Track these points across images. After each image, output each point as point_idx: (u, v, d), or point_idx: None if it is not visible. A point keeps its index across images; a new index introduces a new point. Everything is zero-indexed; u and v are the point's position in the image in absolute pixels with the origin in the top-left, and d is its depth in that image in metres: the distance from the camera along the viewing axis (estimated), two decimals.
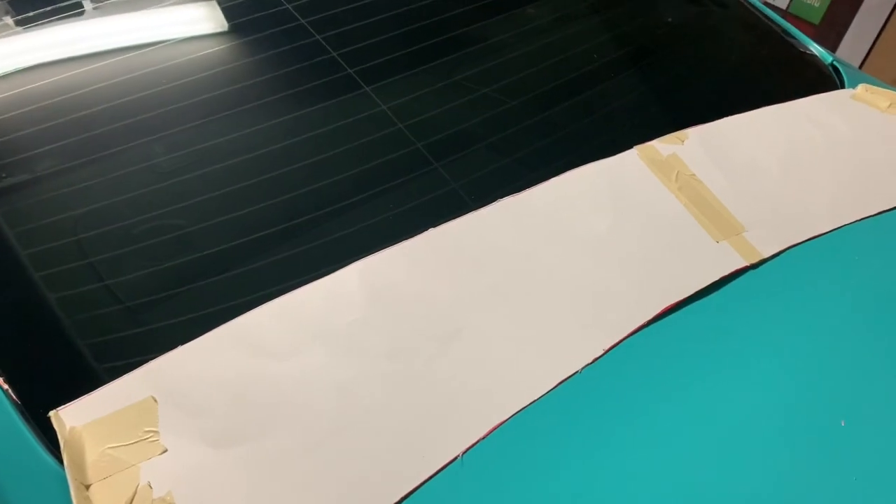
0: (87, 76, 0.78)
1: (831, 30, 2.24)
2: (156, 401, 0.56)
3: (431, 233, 0.68)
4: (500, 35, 0.88)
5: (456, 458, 0.55)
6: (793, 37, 1.09)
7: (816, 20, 2.27)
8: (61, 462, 0.53)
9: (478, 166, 0.75)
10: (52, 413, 0.54)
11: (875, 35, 2.15)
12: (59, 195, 0.68)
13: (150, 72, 0.80)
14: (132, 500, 0.51)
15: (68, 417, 0.54)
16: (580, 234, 0.71)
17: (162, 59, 0.82)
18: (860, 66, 2.18)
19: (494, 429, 0.57)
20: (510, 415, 0.58)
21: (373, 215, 0.69)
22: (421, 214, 0.70)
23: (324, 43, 0.82)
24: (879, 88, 0.97)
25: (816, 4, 2.28)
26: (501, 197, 0.71)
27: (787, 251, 0.72)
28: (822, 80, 1.02)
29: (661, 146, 0.80)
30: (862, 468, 0.58)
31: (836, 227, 0.74)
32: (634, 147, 0.79)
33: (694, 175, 0.78)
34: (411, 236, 0.67)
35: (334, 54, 0.81)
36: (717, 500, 0.55)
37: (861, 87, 0.97)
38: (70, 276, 0.64)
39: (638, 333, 0.64)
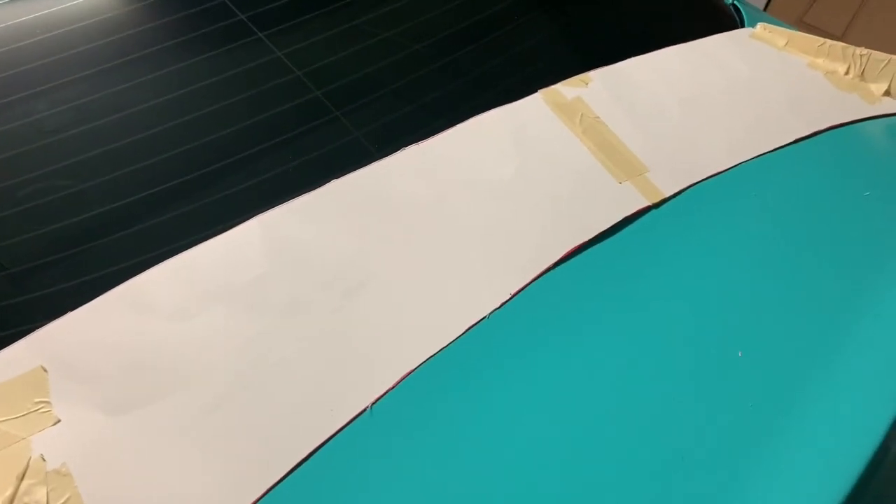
0: None
1: None
2: (45, 370, 0.53)
3: (334, 184, 0.66)
4: None
5: (364, 410, 0.55)
6: None
7: None
8: None
9: (380, 114, 0.73)
10: None
11: None
12: None
13: (26, 21, 0.75)
14: (24, 474, 0.49)
15: None
16: (486, 180, 0.70)
17: (40, 7, 0.76)
18: (765, 8, 2.23)
19: (403, 378, 0.57)
20: (418, 364, 0.58)
21: (272, 168, 0.67)
22: (322, 166, 0.68)
23: None
24: (777, 27, 0.99)
25: None
26: (405, 145, 0.70)
27: (688, 190, 0.74)
28: (723, 19, 1.04)
29: (565, 89, 0.80)
30: (758, 394, 0.60)
31: (734, 164, 0.76)
32: (538, 91, 0.79)
33: (598, 118, 0.78)
34: (313, 189, 0.65)
35: (226, 0, 0.77)
36: (621, 432, 0.56)
37: (760, 27, 0.99)
38: None
39: (544, 276, 0.65)
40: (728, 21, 1.03)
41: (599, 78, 0.82)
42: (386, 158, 0.69)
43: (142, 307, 0.57)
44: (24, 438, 0.50)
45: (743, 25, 1.03)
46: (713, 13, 1.05)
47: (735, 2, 1.09)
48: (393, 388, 0.56)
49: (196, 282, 0.59)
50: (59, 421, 0.52)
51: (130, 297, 0.57)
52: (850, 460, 0.55)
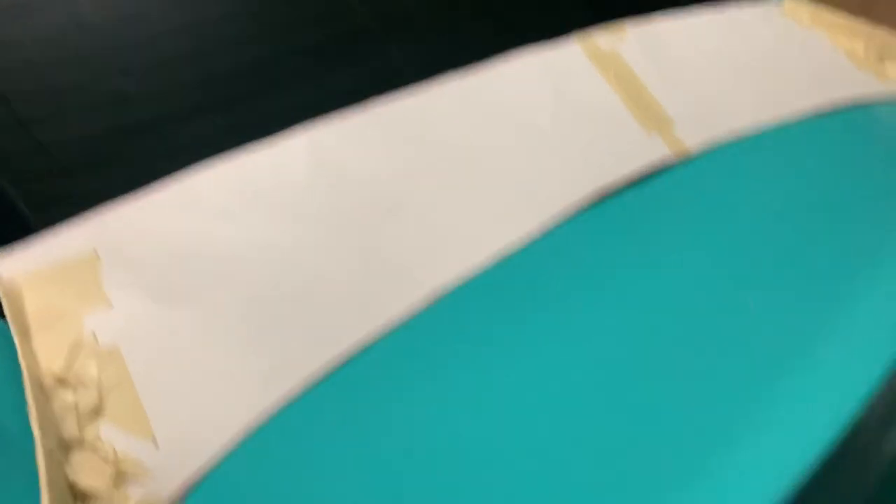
0: None
1: None
2: (98, 255, 0.55)
3: (377, 108, 0.68)
4: None
5: (396, 323, 0.58)
6: None
7: None
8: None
9: (425, 44, 0.75)
10: None
11: None
12: None
13: None
14: (76, 349, 0.51)
15: (2, 268, 0.53)
16: (520, 118, 0.73)
17: None
18: None
19: (433, 297, 0.60)
20: (449, 284, 0.61)
21: (319, 86, 0.68)
22: (366, 90, 0.70)
23: None
24: (802, 5, 1.01)
25: None
26: (447, 77, 0.72)
27: (712, 148, 0.77)
28: None
29: (601, 38, 0.82)
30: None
31: (757, 127, 0.79)
32: (575, 38, 0.81)
33: (631, 69, 0.80)
34: (356, 110, 0.67)
35: None
36: (637, 373, 0.59)
37: (787, 2, 1.01)
38: (13, 125, 0.60)
39: (569, 217, 0.68)
40: None
41: (634, 31, 0.84)
42: (427, 88, 0.71)
43: (191, 205, 0.59)
44: (77, 317, 0.53)
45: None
46: None
47: None
48: (422, 308, 0.59)
49: (243, 187, 0.61)
50: (110, 304, 0.54)
51: (181, 194, 0.59)
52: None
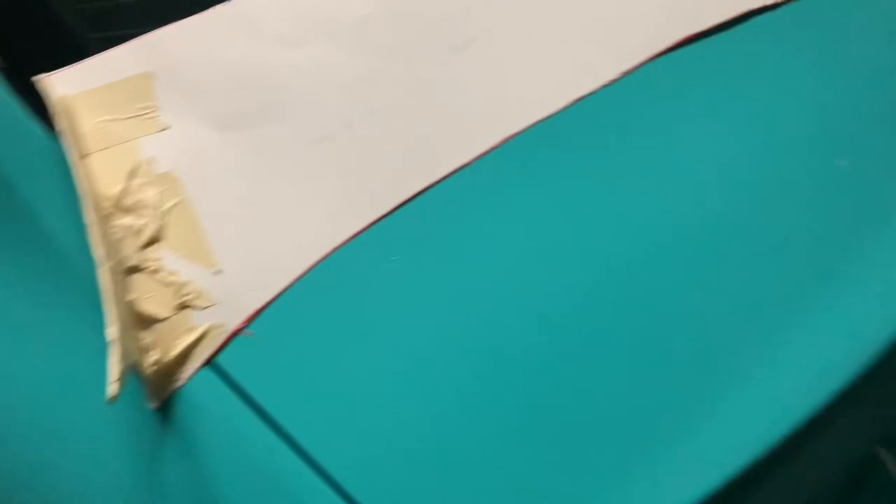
0: None
1: None
2: (152, 77, 0.52)
3: None
4: None
5: (463, 167, 0.55)
6: None
7: None
8: (51, 131, 0.50)
9: None
10: (36, 79, 0.50)
11: None
12: None
13: None
14: (134, 172, 0.49)
15: (57, 86, 0.50)
16: None
17: None
18: None
19: (503, 141, 0.56)
20: (519, 129, 0.57)
21: None
22: None
23: None
24: None
25: None
26: None
27: None
28: None
29: None
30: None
31: None
32: None
33: None
34: None
35: None
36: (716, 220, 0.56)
37: None
38: None
39: (653, 61, 0.62)
40: None
41: None
42: None
43: (251, 26, 0.55)
44: (132, 139, 0.50)
45: None
46: None
47: None
48: (492, 149, 0.56)
49: (306, 10, 0.56)
50: (166, 128, 0.51)
51: (241, 14, 0.55)
52: None
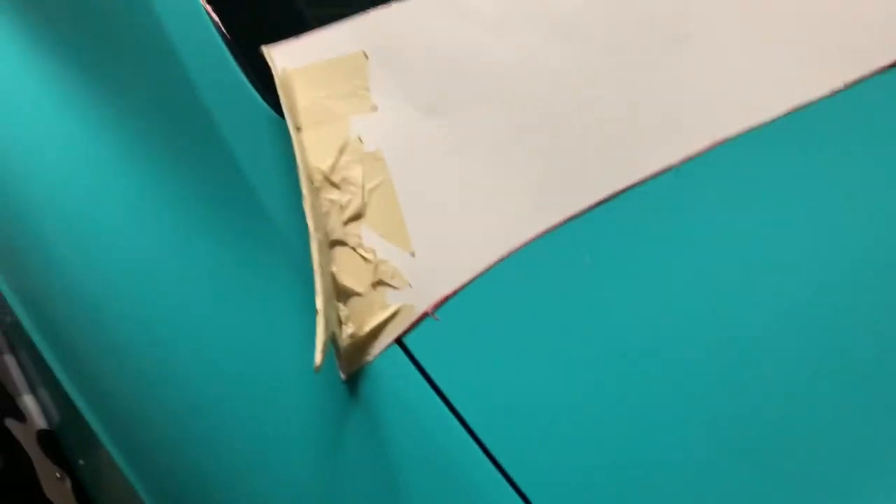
0: None
1: None
2: (367, 56, 0.53)
3: None
4: None
5: (671, 168, 0.52)
6: None
7: None
8: (269, 101, 0.53)
9: None
10: (264, 48, 0.52)
11: None
12: None
13: None
14: (343, 149, 0.51)
15: (279, 57, 0.52)
16: None
17: None
18: None
19: (715, 144, 0.53)
20: (732, 134, 0.54)
21: None
22: None
23: None
24: None
25: None
26: None
27: None
28: None
29: None
30: None
31: None
32: None
33: None
34: None
35: None
36: None
37: None
38: None
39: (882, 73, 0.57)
40: None
41: None
42: None
43: (462, 13, 0.55)
44: (344, 117, 0.52)
45: None
46: None
47: None
48: (704, 151, 0.53)
49: (517, 1, 0.56)
50: (375, 108, 0.52)
51: (455, 3, 0.55)
52: None
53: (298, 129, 0.51)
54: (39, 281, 0.61)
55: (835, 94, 0.56)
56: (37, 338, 0.63)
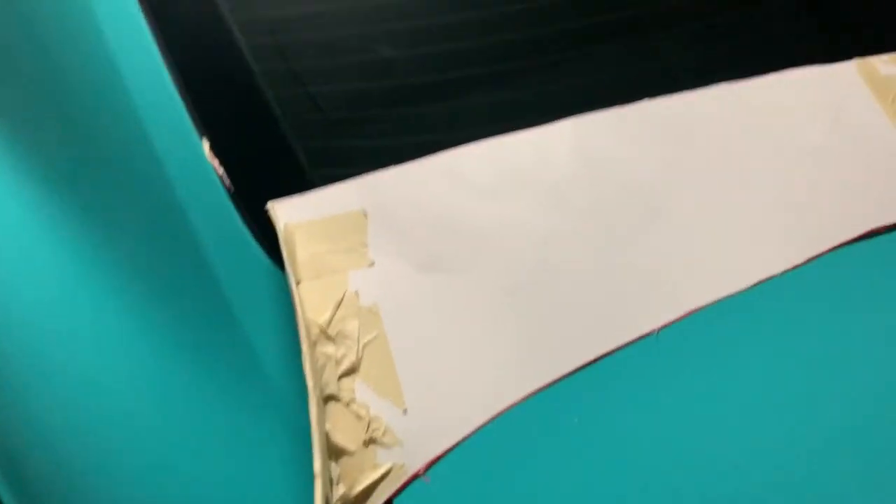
0: None
1: None
2: (366, 214, 0.56)
3: (646, 104, 0.65)
4: None
5: (651, 333, 0.55)
6: None
7: None
8: (269, 255, 0.54)
9: (696, 45, 0.71)
10: (269, 204, 0.54)
11: None
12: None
13: None
14: (340, 303, 0.52)
15: (283, 213, 0.54)
16: (790, 139, 0.67)
17: None
18: None
19: (685, 315, 0.57)
20: (702, 304, 0.57)
21: (590, 74, 0.66)
22: (635, 84, 0.67)
23: None
24: None
25: None
26: (717, 82, 0.68)
27: None
28: None
29: (882, 65, 0.75)
30: None
31: None
32: (854, 59, 0.74)
33: None
34: (624, 104, 0.64)
35: None
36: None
37: None
38: (288, 77, 0.62)
39: (837, 250, 0.62)
40: None
41: None
42: (697, 90, 0.67)
43: (456, 178, 0.58)
44: (343, 271, 0.53)
45: None
46: None
47: None
48: (680, 318, 0.56)
49: (507, 167, 0.60)
50: (373, 263, 0.54)
51: (447, 166, 0.58)
52: None
53: (298, 282, 0.52)
54: (11, 428, 0.59)
55: (800, 266, 0.60)
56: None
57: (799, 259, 0.61)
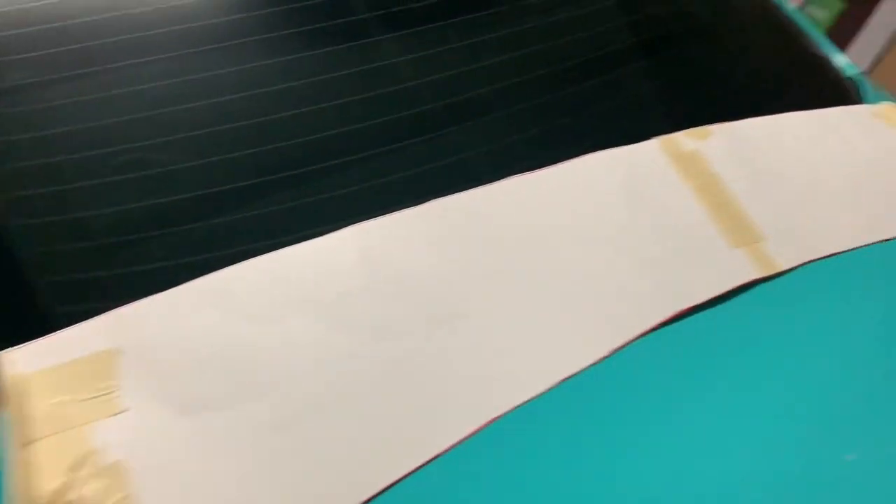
0: None
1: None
2: (118, 352, 0.50)
3: (436, 203, 0.62)
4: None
5: (441, 454, 0.51)
6: (815, 44, 1.05)
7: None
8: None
9: (490, 138, 0.70)
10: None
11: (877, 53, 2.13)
12: (28, 111, 0.61)
13: None
14: (79, 464, 0.46)
15: (17, 362, 0.48)
16: (593, 225, 0.66)
17: None
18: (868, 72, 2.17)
19: (486, 424, 0.53)
20: (505, 411, 0.54)
21: (372, 177, 0.63)
22: (426, 182, 0.64)
23: None
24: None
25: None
26: (514, 173, 0.66)
27: (804, 266, 0.69)
28: (841, 92, 0.98)
29: (684, 140, 0.76)
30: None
31: (857, 246, 0.71)
32: (656, 138, 0.75)
33: (715, 174, 0.73)
34: (414, 204, 0.61)
35: None
36: None
37: (884, 106, 0.93)
38: (32, 203, 0.57)
39: (645, 337, 0.60)
40: (847, 94, 0.98)
41: (720, 133, 0.77)
42: (491, 185, 0.65)
43: (226, 303, 0.53)
44: (86, 423, 0.47)
45: (862, 101, 0.97)
46: (831, 84, 1.00)
47: (854, 76, 1.04)
48: (474, 433, 0.52)
49: (284, 286, 0.55)
50: (126, 409, 0.48)
51: (215, 290, 0.54)
52: None
53: (28, 443, 0.45)
54: None
55: (599, 362, 0.57)
56: None
57: (604, 352, 0.58)
